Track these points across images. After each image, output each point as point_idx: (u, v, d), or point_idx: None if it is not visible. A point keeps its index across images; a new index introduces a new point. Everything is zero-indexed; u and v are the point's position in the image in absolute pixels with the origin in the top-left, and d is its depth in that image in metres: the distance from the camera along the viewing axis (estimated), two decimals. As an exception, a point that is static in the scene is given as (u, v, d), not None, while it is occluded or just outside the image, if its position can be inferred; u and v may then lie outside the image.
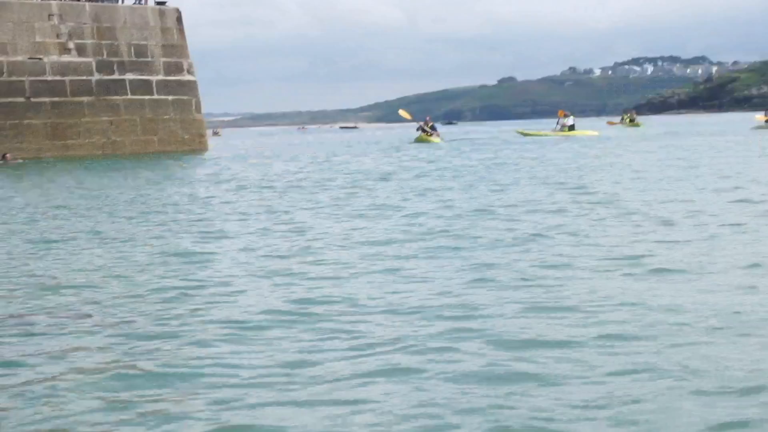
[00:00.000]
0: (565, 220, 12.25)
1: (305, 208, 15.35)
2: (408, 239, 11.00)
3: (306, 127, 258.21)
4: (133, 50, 38.93)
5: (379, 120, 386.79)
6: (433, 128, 48.87)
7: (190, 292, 8.01)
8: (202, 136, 41.59)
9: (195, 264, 9.67)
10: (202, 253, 10.42)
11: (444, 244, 10.47)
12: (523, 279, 8.06)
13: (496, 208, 14.31)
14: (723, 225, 11.22)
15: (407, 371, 5.27)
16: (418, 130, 48.81)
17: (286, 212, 14.82)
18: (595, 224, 11.77)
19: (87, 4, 38.07)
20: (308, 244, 10.91)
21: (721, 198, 14.75)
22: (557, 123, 52.85)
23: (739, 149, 31.60)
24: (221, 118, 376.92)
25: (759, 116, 57.96)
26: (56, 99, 36.59)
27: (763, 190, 15.87)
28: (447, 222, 12.54)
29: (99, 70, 37.73)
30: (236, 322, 6.72)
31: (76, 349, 6.06)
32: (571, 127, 51.54)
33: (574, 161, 27.14)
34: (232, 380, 5.19)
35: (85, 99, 37.26)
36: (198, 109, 41.16)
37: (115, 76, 38.28)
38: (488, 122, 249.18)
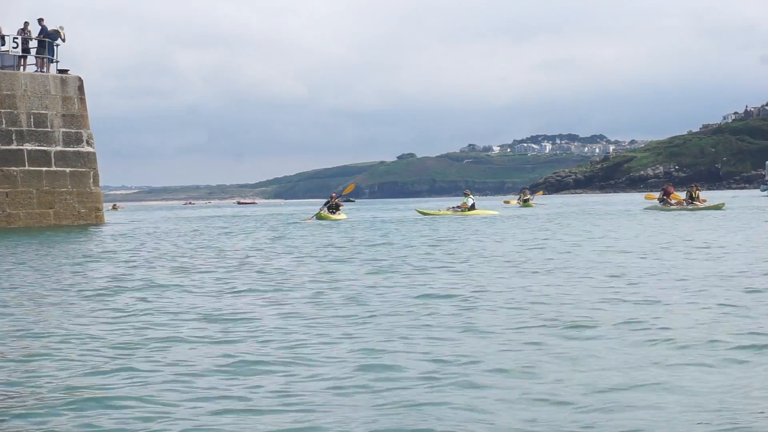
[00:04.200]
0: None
1: (191, 287, 14.97)
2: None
3: (193, 202, 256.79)
4: (32, 119, 38.21)
5: (278, 195, 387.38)
6: (337, 206, 48.75)
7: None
8: (98, 210, 40.71)
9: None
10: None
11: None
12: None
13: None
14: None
15: None
16: (323, 207, 48.86)
17: (177, 289, 14.44)
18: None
19: (-13, 71, 37.33)
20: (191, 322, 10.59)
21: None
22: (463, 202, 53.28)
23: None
24: (118, 191, 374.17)
25: (648, 195, 60.02)
26: (-50, 169, 35.66)
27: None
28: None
29: (-3, 140, 36.90)
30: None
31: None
32: (472, 207, 51.94)
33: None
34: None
35: (-19, 169, 36.33)
36: (96, 182, 40.38)
37: (14, 147, 37.47)
38: (387, 199, 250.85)
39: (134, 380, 7.58)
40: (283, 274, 16.95)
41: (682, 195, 51.65)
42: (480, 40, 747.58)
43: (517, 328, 9.85)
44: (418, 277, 15.82)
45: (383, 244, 26.29)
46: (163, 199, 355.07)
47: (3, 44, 38.93)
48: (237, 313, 11.61)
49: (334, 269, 17.68)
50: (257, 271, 17.62)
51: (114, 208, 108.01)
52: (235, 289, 14.36)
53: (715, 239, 24.32)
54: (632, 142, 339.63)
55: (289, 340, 9.46)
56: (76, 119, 39.78)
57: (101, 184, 41.21)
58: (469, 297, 12.59)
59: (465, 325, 10.12)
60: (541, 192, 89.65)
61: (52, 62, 40.01)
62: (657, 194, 54.13)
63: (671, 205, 49.29)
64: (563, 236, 28.14)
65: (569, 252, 20.83)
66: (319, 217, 47.79)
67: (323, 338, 9.49)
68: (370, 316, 10.97)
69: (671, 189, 52.79)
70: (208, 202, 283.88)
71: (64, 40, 40.23)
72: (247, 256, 22.01)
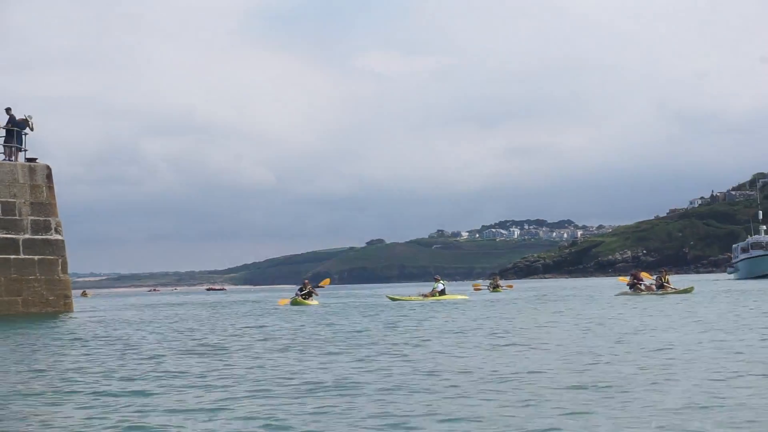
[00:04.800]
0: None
1: (158, 376, 14.70)
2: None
3: (159, 289, 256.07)
4: (0, 207, 37.99)
5: (246, 282, 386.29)
6: (309, 294, 49.77)
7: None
8: (67, 297, 40.28)
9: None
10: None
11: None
12: None
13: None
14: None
15: None
16: (297, 293, 50.08)
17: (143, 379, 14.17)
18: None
19: (-44, 159, 37.18)
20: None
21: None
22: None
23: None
24: (87, 278, 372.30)
25: (621, 278, 60.46)
26: None
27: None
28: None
29: (-35, 229, 36.62)
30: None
31: None
32: (442, 292, 52.05)
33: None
34: None
35: (-52, 258, 35.95)
36: (64, 269, 40.03)
37: (-18, 235, 37.22)
38: (357, 285, 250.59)
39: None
40: (262, 361, 16.70)
41: (653, 276, 52.41)
42: (446, 127, 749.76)
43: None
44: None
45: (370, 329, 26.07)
46: (132, 286, 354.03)
47: (-29, 133, 38.87)
48: (210, 396, 11.38)
49: (318, 355, 17.45)
50: (236, 358, 17.36)
51: (84, 294, 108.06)
52: (208, 377, 14.12)
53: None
54: (600, 227, 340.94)
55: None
56: (44, 207, 39.57)
57: (70, 271, 40.87)
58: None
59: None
60: (510, 285, 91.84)
61: (21, 151, 39.94)
62: (628, 278, 54.35)
63: (641, 290, 49.55)
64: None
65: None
66: (294, 302, 48.81)
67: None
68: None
69: (640, 273, 53.33)
70: (174, 288, 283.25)
71: (32, 129, 40.20)
72: (221, 343, 21.73)
